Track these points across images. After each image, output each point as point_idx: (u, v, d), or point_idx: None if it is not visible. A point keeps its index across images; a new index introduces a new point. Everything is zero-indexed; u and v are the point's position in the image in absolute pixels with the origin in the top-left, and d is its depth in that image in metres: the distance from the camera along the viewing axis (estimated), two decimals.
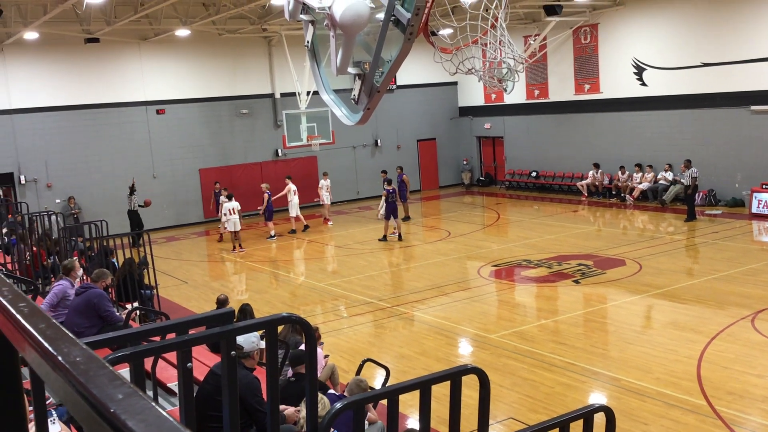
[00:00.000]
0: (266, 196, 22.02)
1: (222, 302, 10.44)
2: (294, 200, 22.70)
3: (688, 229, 19.58)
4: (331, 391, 7.11)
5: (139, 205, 22.58)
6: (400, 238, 20.59)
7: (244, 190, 25.00)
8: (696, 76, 22.27)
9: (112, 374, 0.92)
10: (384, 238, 20.60)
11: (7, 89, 22.78)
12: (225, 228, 21.42)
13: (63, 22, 21.05)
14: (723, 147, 21.91)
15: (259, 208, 22.78)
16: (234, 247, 20.87)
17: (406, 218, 23.21)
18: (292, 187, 22.73)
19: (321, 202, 24.34)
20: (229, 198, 21.05)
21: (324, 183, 24.05)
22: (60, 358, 0.98)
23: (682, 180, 21.22)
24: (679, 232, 19.39)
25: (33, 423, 1.52)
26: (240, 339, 5.97)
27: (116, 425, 0.83)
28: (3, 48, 22.37)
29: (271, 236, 22.28)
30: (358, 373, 8.06)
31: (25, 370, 1.35)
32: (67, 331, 1.08)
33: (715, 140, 22.08)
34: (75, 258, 12.12)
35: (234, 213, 20.63)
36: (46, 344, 1.03)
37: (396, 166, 25.27)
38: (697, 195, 21.05)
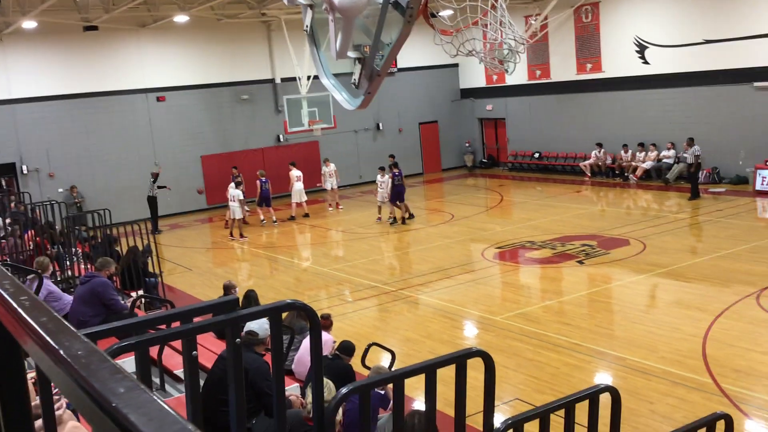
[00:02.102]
0: (259, 183, 21.94)
1: (228, 288, 10.44)
2: (297, 186, 22.62)
3: (692, 207, 19.54)
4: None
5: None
6: (394, 222, 20.51)
7: (246, 176, 24.93)
8: (698, 54, 22.13)
9: (113, 367, 0.91)
10: (394, 221, 20.56)
11: (7, 79, 22.74)
12: (230, 216, 21.32)
13: (61, 10, 20.96)
14: (726, 124, 21.81)
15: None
16: (236, 234, 20.75)
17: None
18: (295, 173, 22.66)
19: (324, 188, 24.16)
20: (237, 185, 20.86)
21: (326, 169, 23.85)
22: (61, 351, 0.98)
23: (685, 158, 21.18)
24: (683, 211, 19.35)
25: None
26: (254, 326, 6.00)
27: (118, 419, 0.82)
28: (2, 38, 22.30)
29: (274, 221, 22.20)
30: (363, 357, 8.08)
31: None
32: (68, 324, 1.08)
33: (718, 118, 21.97)
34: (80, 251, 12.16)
35: (234, 201, 20.51)
36: (47, 338, 1.02)
37: (390, 154, 24.19)
38: (700, 173, 21.01)
